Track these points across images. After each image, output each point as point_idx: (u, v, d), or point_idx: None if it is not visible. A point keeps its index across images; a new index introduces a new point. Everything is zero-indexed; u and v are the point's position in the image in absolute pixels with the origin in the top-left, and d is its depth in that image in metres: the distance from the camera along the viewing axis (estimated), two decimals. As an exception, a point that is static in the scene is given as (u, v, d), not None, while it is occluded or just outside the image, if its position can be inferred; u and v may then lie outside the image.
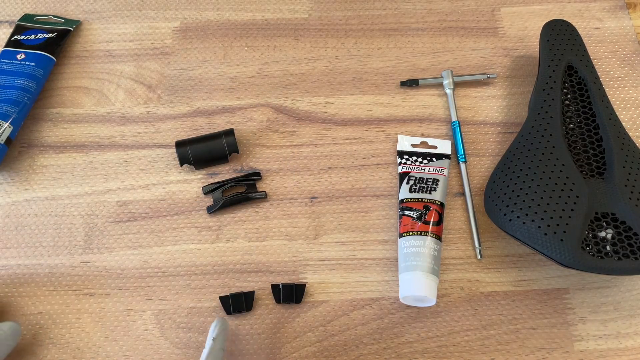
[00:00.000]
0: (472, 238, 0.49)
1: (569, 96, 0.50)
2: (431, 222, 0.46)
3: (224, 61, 0.57)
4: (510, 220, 0.44)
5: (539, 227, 0.42)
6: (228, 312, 0.45)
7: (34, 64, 0.55)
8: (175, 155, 0.52)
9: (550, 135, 0.47)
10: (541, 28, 0.53)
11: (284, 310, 0.46)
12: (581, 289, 0.46)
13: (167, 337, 0.45)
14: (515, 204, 0.44)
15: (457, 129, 0.52)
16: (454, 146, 0.52)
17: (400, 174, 0.50)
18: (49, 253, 0.49)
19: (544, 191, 0.44)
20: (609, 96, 0.54)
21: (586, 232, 0.43)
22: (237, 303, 0.45)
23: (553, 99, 0.49)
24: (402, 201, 0.48)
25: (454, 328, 0.45)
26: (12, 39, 0.57)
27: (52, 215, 0.50)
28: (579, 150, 0.47)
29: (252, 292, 0.46)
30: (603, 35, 0.58)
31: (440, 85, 0.55)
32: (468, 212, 0.49)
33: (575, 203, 0.43)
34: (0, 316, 0.46)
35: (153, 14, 0.60)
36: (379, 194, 0.51)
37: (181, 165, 0.51)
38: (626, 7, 0.59)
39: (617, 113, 0.53)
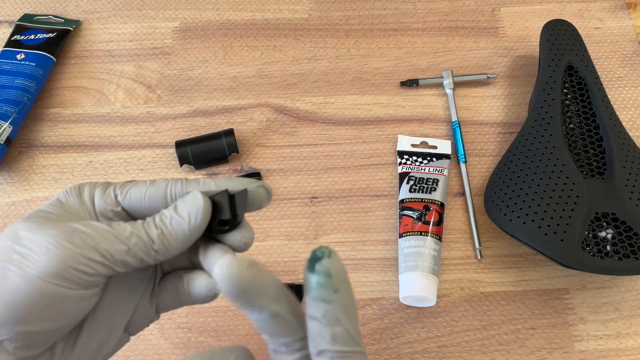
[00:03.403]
0: (472, 238, 0.49)
1: (569, 96, 0.50)
2: (431, 222, 0.46)
3: (223, 61, 0.57)
4: (510, 220, 0.44)
5: (539, 227, 0.42)
6: None
7: (34, 64, 0.55)
8: (175, 155, 0.52)
9: (551, 135, 0.47)
10: (541, 28, 0.53)
11: (284, 311, 0.46)
12: (581, 289, 0.46)
13: (167, 337, 0.45)
14: (515, 204, 0.44)
15: (457, 129, 0.52)
16: (454, 146, 0.52)
17: (400, 174, 0.50)
18: (49, 253, 0.49)
19: (544, 191, 0.44)
20: (609, 96, 0.54)
21: (586, 232, 0.43)
22: None
23: (553, 99, 0.49)
24: (402, 201, 0.48)
25: (454, 328, 0.45)
26: (12, 39, 0.57)
27: (52, 216, 0.50)
28: (579, 150, 0.47)
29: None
30: (603, 35, 0.58)
31: (441, 85, 0.55)
32: (468, 212, 0.49)
33: (575, 203, 0.43)
34: None
35: (153, 14, 0.60)
36: (379, 194, 0.51)
37: (181, 165, 0.51)
38: (626, 7, 0.59)
39: (617, 113, 0.53)
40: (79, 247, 0.25)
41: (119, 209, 0.29)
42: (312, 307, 0.25)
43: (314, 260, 0.25)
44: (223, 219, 0.28)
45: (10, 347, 0.25)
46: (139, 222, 0.27)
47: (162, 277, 0.32)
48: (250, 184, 0.29)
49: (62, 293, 0.25)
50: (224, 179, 0.29)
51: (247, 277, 0.24)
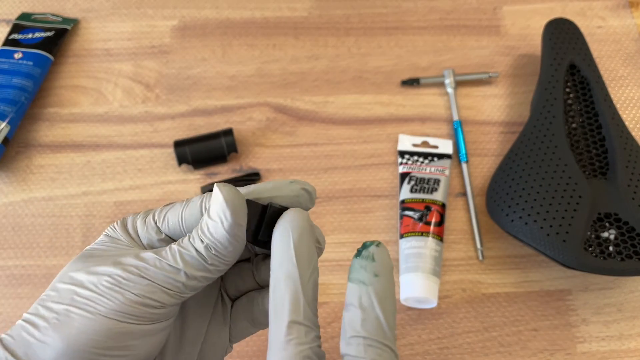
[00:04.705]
0: (473, 239, 0.48)
1: (571, 95, 0.50)
2: (432, 223, 0.46)
3: (222, 60, 0.57)
4: (512, 220, 0.44)
5: (541, 227, 0.42)
6: None
7: (32, 63, 0.54)
8: (173, 155, 0.52)
9: (553, 134, 0.46)
10: (543, 27, 0.53)
11: (284, 312, 0.46)
12: (584, 290, 0.46)
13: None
14: (517, 204, 0.44)
15: (459, 129, 0.52)
16: (456, 146, 0.52)
17: (401, 174, 0.50)
18: (47, 254, 0.48)
19: (547, 191, 0.43)
20: (611, 95, 0.53)
21: (589, 233, 0.42)
22: None
23: (555, 98, 0.48)
24: (403, 202, 0.48)
25: (455, 330, 0.45)
26: (10, 37, 0.56)
27: (50, 216, 0.50)
28: (582, 150, 0.47)
29: None
30: (606, 34, 0.57)
31: (442, 84, 0.55)
32: (470, 213, 0.49)
33: (577, 203, 0.42)
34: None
35: (151, 12, 0.59)
36: (380, 194, 0.50)
37: (179, 165, 0.50)
38: (629, 5, 0.59)
39: (620, 112, 0.53)
40: (138, 283, 0.25)
41: (163, 236, 0.27)
42: (350, 291, 0.24)
43: (361, 248, 0.25)
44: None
45: None
46: (186, 239, 0.26)
47: (233, 304, 0.30)
48: (286, 188, 0.27)
49: (131, 329, 0.24)
50: (259, 185, 0.27)
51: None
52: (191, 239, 0.26)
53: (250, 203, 0.26)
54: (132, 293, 0.24)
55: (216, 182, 0.27)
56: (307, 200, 0.27)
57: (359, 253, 0.25)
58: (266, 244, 0.27)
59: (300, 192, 0.27)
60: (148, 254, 0.25)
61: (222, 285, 0.31)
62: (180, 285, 0.25)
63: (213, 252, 0.25)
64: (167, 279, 0.25)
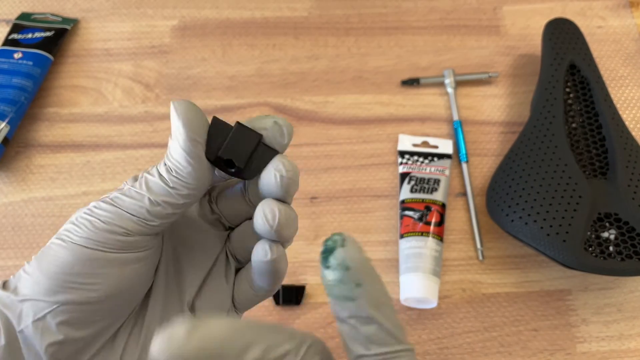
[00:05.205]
0: (473, 239, 0.48)
1: (571, 95, 0.50)
2: (432, 223, 0.46)
3: (222, 60, 0.57)
4: (512, 220, 0.44)
5: (541, 227, 0.42)
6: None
7: (31, 63, 0.54)
8: (173, 155, 0.52)
9: (553, 134, 0.46)
10: (543, 26, 0.53)
11: (284, 312, 0.46)
12: (584, 290, 0.46)
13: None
14: (517, 204, 0.44)
15: (459, 129, 0.52)
16: (456, 146, 0.52)
17: (401, 174, 0.50)
18: (46, 254, 0.48)
19: (547, 191, 0.43)
20: (611, 95, 0.53)
21: (589, 233, 0.42)
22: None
23: (555, 98, 0.48)
24: (403, 202, 0.48)
25: (455, 330, 0.45)
26: (9, 37, 0.56)
27: (50, 216, 0.50)
28: (582, 150, 0.47)
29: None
30: (606, 34, 0.57)
31: (442, 84, 0.55)
32: (470, 213, 0.49)
33: (577, 203, 0.42)
34: None
35: (151, 12, 0.59)
36: (380, 194, 0.50)
37: (180, 165, 0.50)
38: (629, 5, 0.59)
39: (620, 112, 0.53)
40: (106, 210, 0.25)
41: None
42: (337, 307, 0.21)
43: (326, 253, 0.21)
44: (226, 159, 0.25)
45: (53, 323, 0.24)
46: (155, 166, 0.26)
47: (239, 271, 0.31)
48: (258, 121, 0.27)
49: (97, 256, 0.25)
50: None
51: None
52: (158, 165, 0.26)
53: (217, 122, 0.26)
54: (100, 220, 0.25)
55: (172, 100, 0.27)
56: (277, 133, 0.26)
57: (325, 261, 0.21)
58: (228, 164, 0.26)
59: (271, 124, 0.26)
60: (128, 186, 0.26)
61: (230, 246, 0.31)
62: (144, 212, 0.25)
63: (173, 173, 0.25)
64: (132, 205, 0.25)
